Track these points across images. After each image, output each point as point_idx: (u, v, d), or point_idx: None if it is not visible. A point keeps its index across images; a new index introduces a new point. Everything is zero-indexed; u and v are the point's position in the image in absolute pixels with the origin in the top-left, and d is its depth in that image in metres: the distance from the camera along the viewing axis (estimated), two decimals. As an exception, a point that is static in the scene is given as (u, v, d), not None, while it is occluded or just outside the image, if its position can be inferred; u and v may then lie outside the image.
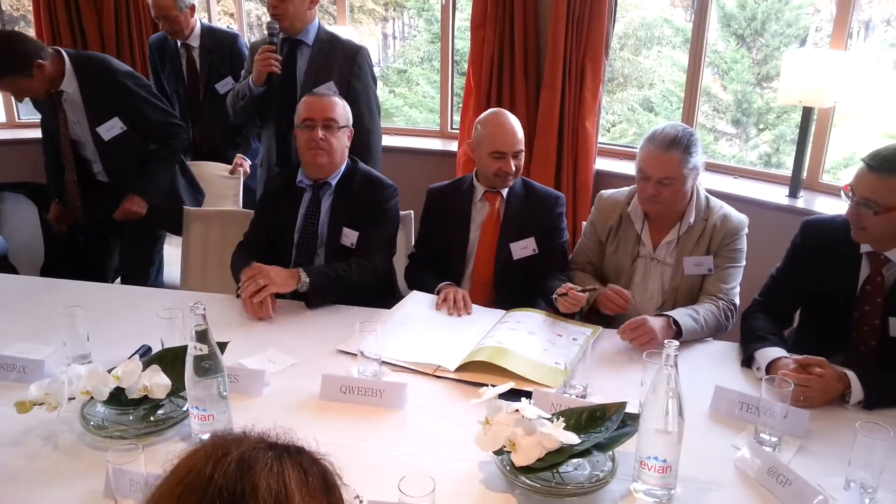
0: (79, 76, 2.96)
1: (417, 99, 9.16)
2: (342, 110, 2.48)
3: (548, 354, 2.01)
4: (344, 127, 2.47)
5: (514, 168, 2.47)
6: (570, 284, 2.25)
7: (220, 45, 3.65)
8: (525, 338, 2.09)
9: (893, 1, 8.19)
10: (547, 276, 2.47)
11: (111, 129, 3.02)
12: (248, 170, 3.58)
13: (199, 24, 3.64)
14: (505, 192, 2.55)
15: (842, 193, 1.95)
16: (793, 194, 3.39)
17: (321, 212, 2.51)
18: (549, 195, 2.61)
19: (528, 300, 2.42)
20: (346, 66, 3.02)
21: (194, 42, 3.64)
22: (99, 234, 3.28)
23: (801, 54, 3.27)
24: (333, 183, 2.50)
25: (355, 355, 1.94)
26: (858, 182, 1.88)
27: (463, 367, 1.95)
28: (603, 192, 2.53)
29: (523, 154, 2.52)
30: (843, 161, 6.48)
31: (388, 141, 4.33)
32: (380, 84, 10.19)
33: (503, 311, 2.32)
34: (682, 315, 2.15)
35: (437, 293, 2.41)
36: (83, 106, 3.00)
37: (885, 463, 1.44)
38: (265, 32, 2.97)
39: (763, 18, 7.05)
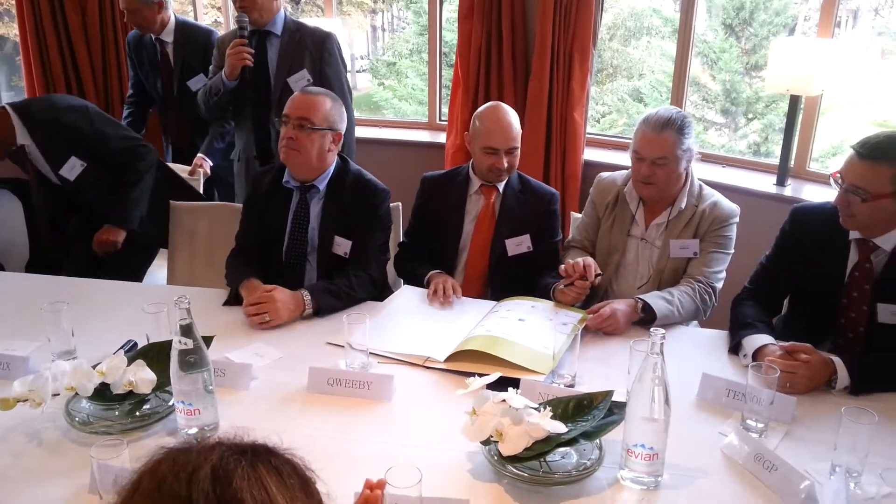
0: (27, 126, 2.89)
1: (407, 91, 9.13)
2: (324, 112, 2.33)
3: (538, 340, 2.01)
4: (321, 129, 2.32)
5: (506, 165, 2.45)
6: (571, 263, 2.22)
7: (194, 40, 3.58)
8: (515, 325, 2.09)
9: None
10: (539, 273, 2.48)
11: (72, 168, 2.93)
12: (209, 171, 3.50)
13: (173, 19, 3.58)
14: (501, 186, 2.54)
15: (831, 181, 1.96)
16: (780, 183, 3.40)
17: (311, 217, 2.42)
18: (545, 192, 2.60)
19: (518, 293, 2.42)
20: (316, 54, 3.03)
21: (168, 37, 3.58)
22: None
23: (789, 43, 3.27)
24: (321, 186, 2.41)
25: (343, 347, 1.93)
26: (848, 169, 1.89)
27: (452, 358, 1.94)
28: (602, 173, 2.56)
29: (518, 150, 2.49)
30: (832, 149, 6.50)
31: (375, 133, 4.35)
32: (369, 77, 10.17)
33: (493, 302, 2.32)
34: (654, 298, 2.17)
35: (427, 283, 2.41)
36: (40, 153, 2.93)
37: (870, 447, 1.45)
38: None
39: (751, 8, 7.05)
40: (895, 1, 8.55)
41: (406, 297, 2.37)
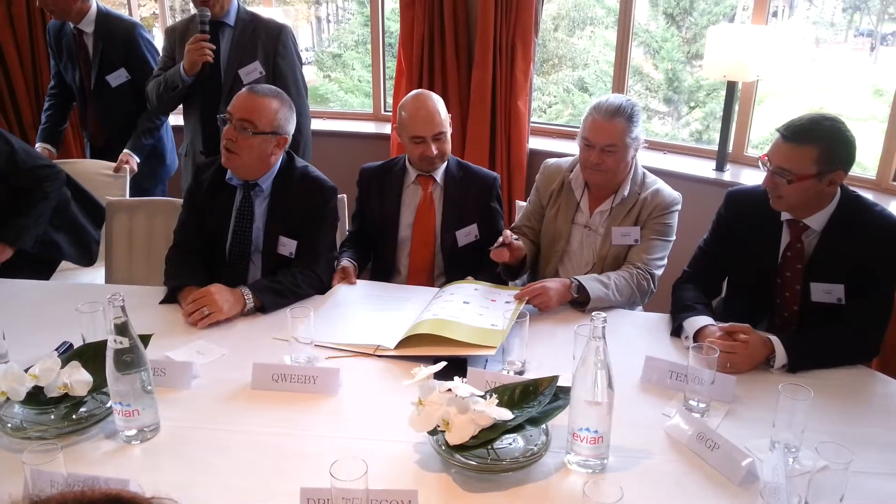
0: None
1: (353, 83, 9.03)
2: (269, 115, 2.23)
3: (484, 318, 2.03)
4: (264, 134, 2.23)
5: (435, 151, 2.44)
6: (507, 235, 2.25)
7: (115, 33, 3.32)
8: (460, 307, 2.10)
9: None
10: (486, 259, 2.48)
11: None
12: (136, 167, 3.30)
13: (94, 8, 3.32)
14: (440, 176, 2.53)
15: (760, 164, 2.00)
16: (719, 168, 3.48)
17: (255, 215, 2.35)
18: (488, 176, 2.61)
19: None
20: (270, 46, 2.96)
21: (87, 27, 3.32)
22: None
23: (724, 30, 3.33)
24: (265, 186, 2.33)
25: (289, 342, 1.90)
26: (774, 152, 1.93)
27: (402, 344, 1.94)
28: (548, 159, 2.57)
29: (447, 136, 2.48)
30: (770, 136, 6.66)
31: (320, 125, 4.28)
32: (315, 69, 10.06)
33: (436, 289, 2.32)
34: (588, 280, 2.20)
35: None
36: None
37: (806, 423, 1.49)
38: (199, 20, 2.86)
39: (691, -3, 7.18)
40: (827, -10, 8.80)
41: (349, 288, 2.35)
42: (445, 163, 2.55)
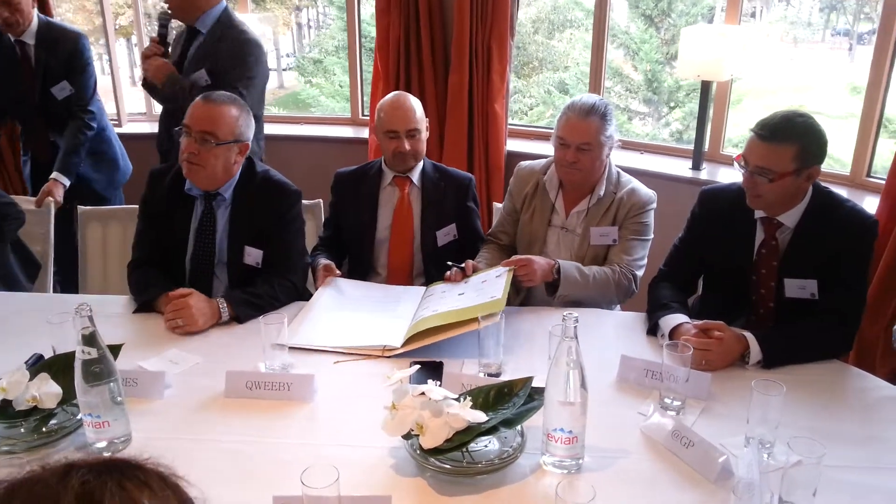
0: None
1: (334, 89, 9.03)
2: (229, 124, 2.16)
3: (481, 296, 2.05)
4: (227, 143, 2.17)
5: (408, 147, 2.44)
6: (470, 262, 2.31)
7: (59, 44, 3.20)
8: (456, 298, 2.12)
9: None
10: (465, 258, 2.49)
11: None
12: (61, 198, 3.02)
13: (36, 19, 3.19)
14: (416, 177, 2.53)
15: (735, 164, 2.01)
16: (696, 167, 3.50)
17: (217, 227, 2.27)
18: (463, 177, 2.63)
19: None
20: (231, 55, 2.91)
21: (29, 38, 3.18)
22: None
23: (697, 30, 3.35)
24: (227, 194, 2.26)
25: (286, 347, 1.90)
26: (751, 152, 1.94)
27: (410, 340, 1.95)
28: (521, 163, 2.57)
29: (421, 135, 2.49)
30: (747, 136, 6.73)
31: (298, 130, 4.28)
32: (295, 75, 10.00)
33: (422, 288, 2.33)
34: (568, 265, 2.24)
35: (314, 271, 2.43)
36: None
37: (780, 418, 1.50)
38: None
39: (669, -1, 7.23)
40: (804, -10, 8.90)
41: (336, 288, 2.33)
42: (421, 164, 2.55)
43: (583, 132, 2.25)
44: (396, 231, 2.54)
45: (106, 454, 1.54)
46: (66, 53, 3.21)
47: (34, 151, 3.42)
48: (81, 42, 3.26)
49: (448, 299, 2.13)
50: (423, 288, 2.33)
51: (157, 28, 2.85)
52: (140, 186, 2.41)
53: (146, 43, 3.18)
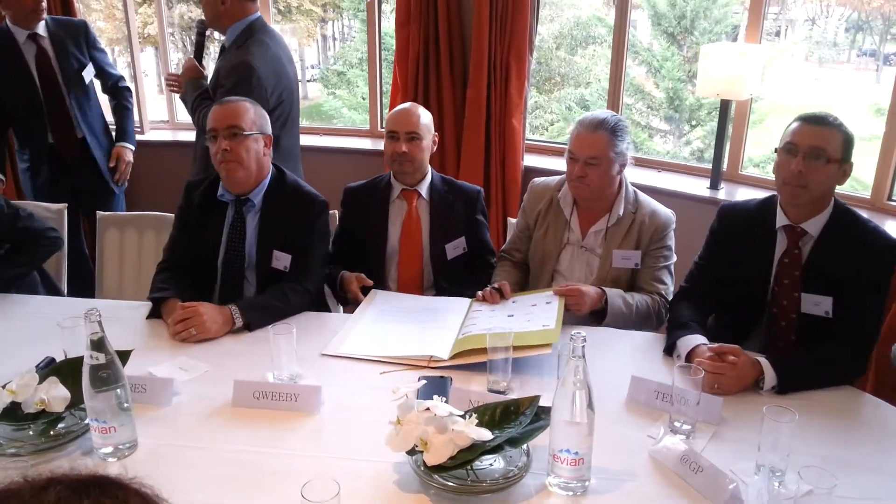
0: None
1: (357, 101, 9.09)
2: (250, 116, 2.27)
3: (533, 322, 2.04)
4: (254, 134, 2.27)
5: (405, 149, 2.44)
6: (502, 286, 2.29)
7: (73, 31, 3.34)
8: (506, 319, 2.11)
9: (818, 1, 8.47)
10: (475, 270, 2.54)
11: None
12: (131, 159, 3.35)
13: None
14: (424, 190, 2.54)
15: (777, 154, 1.99)
16: (714, 186, 3.46)
17: (247, 231, 2.34)
18: (472, 190, 2.63)
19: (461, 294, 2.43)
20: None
21: (42, 31, 3.25)
22: None
23: (717, 48, 3.33)
24: (256, 200, 2.33)
25: (343, 358, 1.93)
26: (803, 136, 1.93)
27: (458, 355, 1.95)
28: (535, 179, 2.56)
29: (422, 142, 2.48)
30: (769, 156, 6.68)
31: (318, 141, 4.30)
32: (319, 86, 10.07)
33: (467, 299, 2.32)
34: (613, 294, 2.23)
35: (340, 283, 2.44)
36: None
37: (791, 446, 1.46)
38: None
39: (692, 17, 7.21)
40: (830, 11, 8.84)
41: (383, 300, 2.36)
42: (429, 178, 2.56)
43: (591, 146, 2.24)
44: (405, 244, 2.54)
45: (104, 465, 1.55)
46: (81, 37, 3.36)
47: (59, 143, 3.37)
48: (88, 26, 3.43)
49: (498, 319, 2.12)
50: (468, 300, 2.32)
51: (194, 37, 2.93)
52: (162, 194, 2.43)
53: (170, 52, 3.25)
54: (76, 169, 3.39)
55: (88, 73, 3.37)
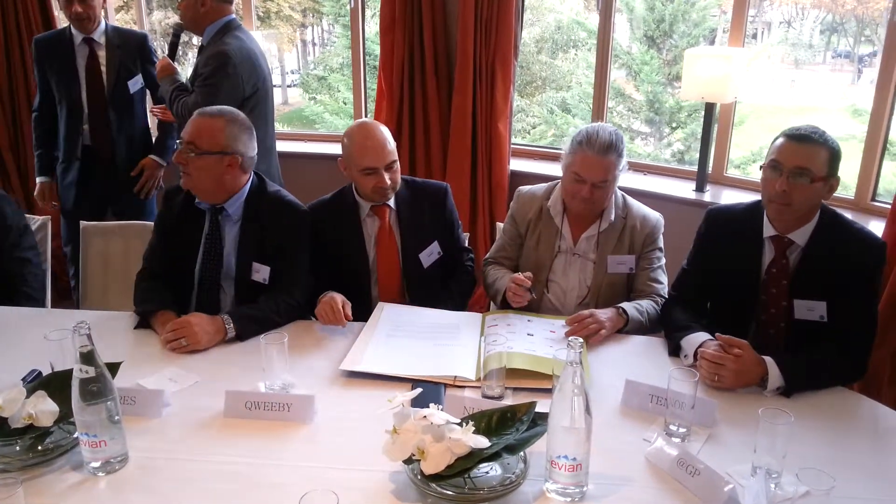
0: None
1: (338, 106, 9.07)
2: (213, 135, 2.19)
3: (552, 350, 2.02)
4: (209, 153, 2.18)
5: (389, 181, 2.34)
6: (518, 276, 2.24)
7: (129, 42, 3.45)
8: (526, 339, 2.10)
9: (793, 3, 8.59)
10: (454, 272, 2.53)
11: None
12: (160, 180, 3.39)
13: (103, 21, 3.42)
14: (393, 202, 2.46)
15: (762, 171, 1.98)
16: (699, 188, 3.49)
17: (225, 241, 2.30)
18: (437, 188, 2.56)
19: (440, 301, 2.42)
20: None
21: (99, 37, 3.38)
22: None
23: (701, 52, 3.36)
24: (232, 210, 2.28)
25: (364, 375, 1.90)
26: (788, 154, 1.92)
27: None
28: (521, 187, 2.54)
29: (398, 165, 2.38)
30: (752, 157, 6.76)
31: (299, 147, 4.28)
32: (300, 91, 10.02)
33: (475, 314, 2.31)
34: (630, 308, 2.22)
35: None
36: None
37: (787, 448, 1.47)
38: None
39: (671, 20, 7.27)
40: (805, 13, 8.96)
41: (396, 313, 2.30)
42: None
43: (602, 171, 2.22)
44: (382, 260, 2.46)
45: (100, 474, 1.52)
46: (136, 49, 3.46)
47: (98, 147, 3.43)
48: (147, 38, 3.53)
49: (518, 338, 2.09)
50: (479, 315, 2.29)
51: (170, 38, 3.01)
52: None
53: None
54: (106, 174, 3.44)
55: (135, 84, 3.44)
